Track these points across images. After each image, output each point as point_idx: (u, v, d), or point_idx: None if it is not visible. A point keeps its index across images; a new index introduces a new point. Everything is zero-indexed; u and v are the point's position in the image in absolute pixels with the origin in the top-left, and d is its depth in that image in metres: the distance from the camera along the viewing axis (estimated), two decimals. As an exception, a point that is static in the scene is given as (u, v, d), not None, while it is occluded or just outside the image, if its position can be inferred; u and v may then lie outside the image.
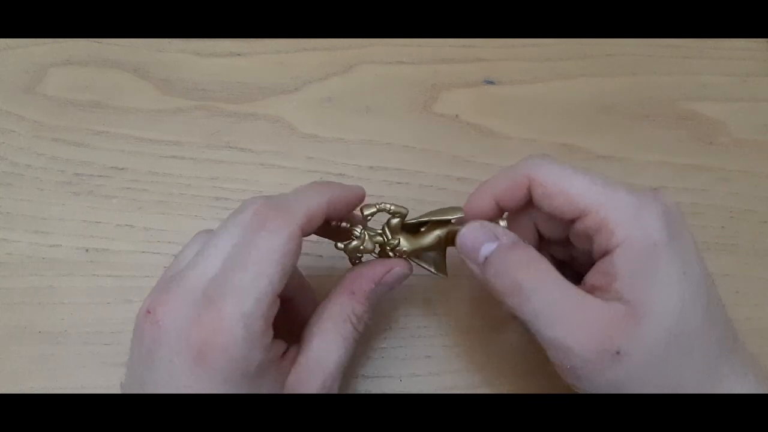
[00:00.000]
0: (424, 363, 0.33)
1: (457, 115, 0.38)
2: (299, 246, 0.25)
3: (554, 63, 0.40)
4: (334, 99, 0.38)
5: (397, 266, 0.29)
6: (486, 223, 0.27)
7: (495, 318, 0.34)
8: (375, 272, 0.29)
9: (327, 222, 0.27)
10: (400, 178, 0.37)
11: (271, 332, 0.24)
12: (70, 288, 0.34)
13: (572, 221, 0.26)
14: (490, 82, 0.39)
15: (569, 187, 0.26)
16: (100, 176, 0.36)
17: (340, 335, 0.27)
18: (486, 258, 0.26)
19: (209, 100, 0.38)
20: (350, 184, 0.29)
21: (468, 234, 0.27)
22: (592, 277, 0.26)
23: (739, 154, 0.38)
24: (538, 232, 0.30)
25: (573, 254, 0.30)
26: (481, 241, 0.26)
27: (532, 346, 0.33)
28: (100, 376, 0.32)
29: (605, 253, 0.25)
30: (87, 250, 0.34)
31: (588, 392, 0.24)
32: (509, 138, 0.38)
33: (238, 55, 0.39)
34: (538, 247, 0.29)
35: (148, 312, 0.24)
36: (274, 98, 0.38)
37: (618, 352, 0.23)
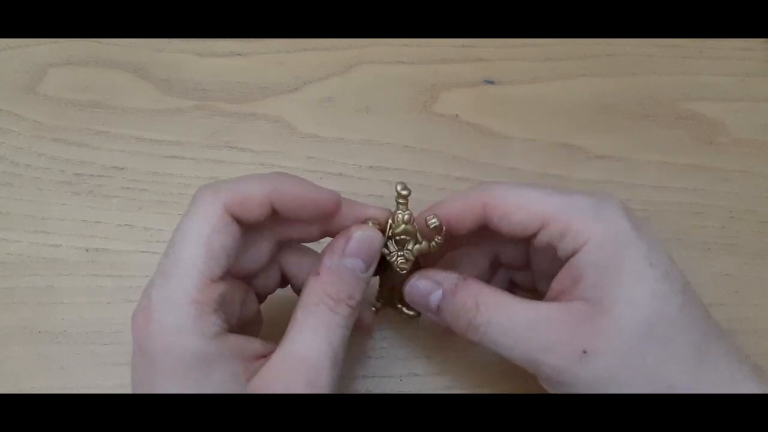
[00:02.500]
0: (424, 363, 0.33)
1: (457, 115, 0.38)
2: (227, 227, 0.24)
3: (554, 63, 0.40)
4: (334, 99, 0.38)
5: (358, 230, 0.27)
6: (425, 271, 0.28)
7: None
8: (335, 245, 0.27)
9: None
10: (400, 178, 0.37)
11: (215, 321, 0.23)
12: (70, 288, 0.34)
13: (533, 236, 0.26)
14: (490, 82, 0.39)
15: (528, 200, 0.26)
16: (100, 176, 0.36)
17: (316, 322, 0.25)
18: (437, 306, 0.27)
19: (209, 100, 0.38)
20: (326, 186, 0.27)
21: (413, 289, 0.28)
22: (557, 282, 0.26)
23: (739, 154, 0.38)
24: (499, 260, 0.30)
25: (535, 278, 0.30)
26: (427, 291, 0.27)
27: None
28: (100, 376, 0.32)
29: (568, 258, 0.25)
30: (87, 250, 0.34)
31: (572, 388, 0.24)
32: (509, 138, 0.38)
33: (238, 55, 0.39)
34: (494, 277, 0.31)
35: (138, 347, 0.25)
36: (274, 98, 0.38)
37: (585, 352, 0.23)
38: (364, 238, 0.27)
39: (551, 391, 0.26)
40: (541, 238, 0.26)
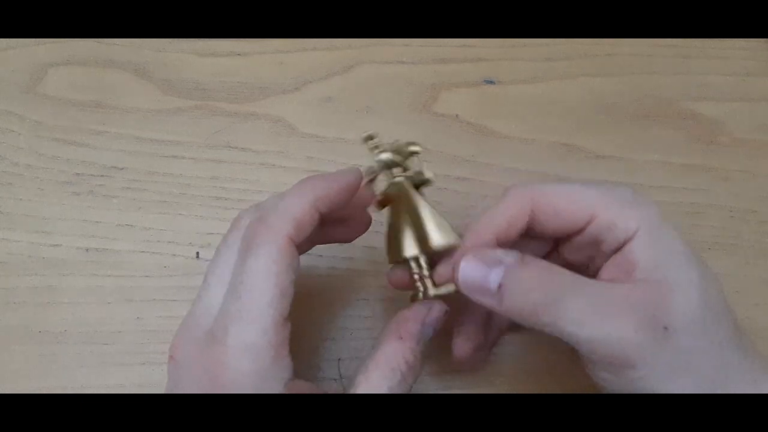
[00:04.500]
0: (424, 362, 0.33)
1: (457, 115, 0.38)
2: (293, 258, 0.23)
3: (554, 63, 0.40)
4: (334, 99, 0.38)
5: (436, 305, 0.27)
6: (480, 251, 0.25)
7: (495, 318, 0.34)
8: (419, 312, 0.26)
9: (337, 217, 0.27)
10: (400, 178, 0.37)
11: (287, 362, 0.23)
12: (70, 288, 0.34)
13: (579, 232, 0.26)
14: (490, 82, 0.39)
15: (576, 196, 0.26)
16: (101, 176, 0.36)
17: (388, 386, 0.24)
18: (499, 285, 0.24)
19: (209, 100, 0.38)
20: (343, 168, 0.27)
21: (469, 269, 0.25)
22: (607, 272, 0.26)
23: (739, 154, 0.38)
24: None
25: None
26: (486, 270, 0.25)
27: (531, 347, 0.34)
28: (100, 376, 0.32)
29: (618, 248, 0.25)
30: (87, 250, 0.34)
31: (645, 383, 0.23)
32: (509, 138, 0.38)
33: (238, 55, 0.39)
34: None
35: (170, 356, 0.24)
36: (274, 98, 0.38)
37: (666, 328, 0.23)
38: (441, 312, 0.27)
39: (610, 379, 0.24)
40: (589, 232, 0.26)
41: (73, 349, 0.33)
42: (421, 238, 0.27)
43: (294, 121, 0.38)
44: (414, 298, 0.28)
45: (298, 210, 0.24)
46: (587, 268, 0.28)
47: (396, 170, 0.28)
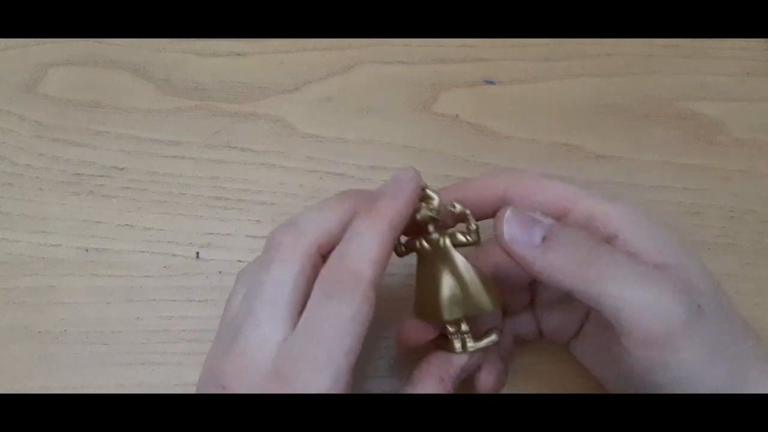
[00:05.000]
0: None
1: (457, 115, 0.38)
2: (373, 305, 0.23)
3: (554, 63, 0.40)
4: (334, 99, 0.38)
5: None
6: (518, 209, 0.24)
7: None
8: (461, 359, 0.26)
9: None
10: (400, 178, 0.37)
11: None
12: (70, 288, 0.34)
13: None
14: (490, 82, 0.39)
15: (550, 183, 0.26)
16: (100, 176, 0.36)
17: None
18: (543, 238, 0.23)
19: (209, 100, 0.38)
20: (403, 174, 0.25)
21: (512, 221, 0.24)
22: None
23: (739, 154, 0.38)
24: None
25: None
26: (531, 224, 0.24)
27: (531, 347, 0.33)
28: (100, 376, 0.32)
29: (609, 240, 0.25)
30: (87, 250, 0.34)
31: (682, 367, 0.22)
32: (509, 138, 0.38)
33: (238, 55, 0.39)
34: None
35: (220, 386, 0.23)
36: (274, 98, 0.38)
37: (699, 307, 0.22)
38: (481, 358, 0.27)
39: (643, 356, 0.23)
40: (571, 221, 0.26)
41: (73, 349, 0.33)
42: (468, 300, 0.26)
43: (294, 121, 0.38)
44: (441, 346, 0.28)
45: (377, 252, 0.23)
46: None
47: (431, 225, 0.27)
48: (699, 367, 0.22)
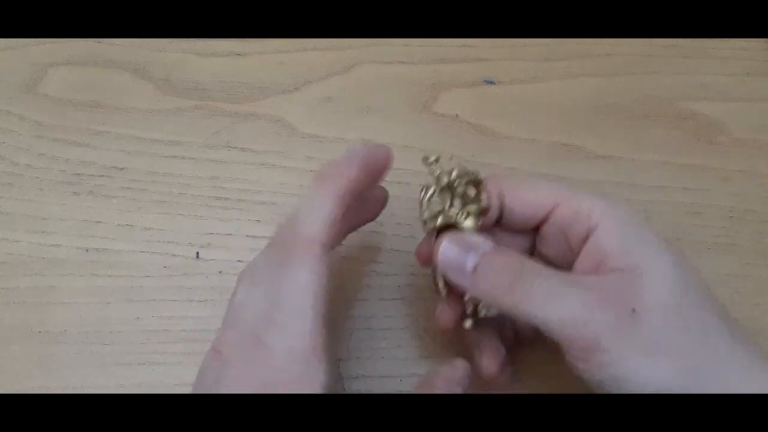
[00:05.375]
0: (424, 363, 0.33)
1: (457, 115, 0.38)
2: (325, 264, 0.24)
3: (554, 63, 0.40)
4: (334, 99, 0.38)
5: (462, 367, 0.28)
6: (457, 236, 0.27)
7: (495, 318, 0.34)
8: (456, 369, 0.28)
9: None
10: (400, 178, 0.37)
11: (324, 366, 0.23)
12: (70, 288, 0.34)
13: (543, 223, 0.27)
14: (490, 82, 0.39)
15: (538, 184, 0.28)
16: (100, 176, 0.36)
17: None
18: (474, 267, 0.26)
19: (209, 100, 0.38)
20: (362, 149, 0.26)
21: (448, 251, 0.27)
22: (581, 264, 0.26)
23: (739, 154, 0.38)
24: None
25: None
26: (464, 253, 0.26)
27: (530, 347, 0.33)
28: (100, 376, 0.32)
29: (586, 239, 0.26)
30: (87, 250, 0.34)
31: (618, 368, 0.24)
32: (509, 138, 0.38)
33: (238, 55, 0.39)
34: None
35: (216, 350, 0.24)
36: (274, 98, 0.38)
37: (634, 310, 0.24)
38: (468, 369, 0.28)
39: (585, 367, 0.24)
40: (556, 221, 0.27)
41: (73, 349, 0.33)
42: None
43: (294, 121, 0.38)
44: (467, 325, 0.29)
45: (327, 213, 0.24)
46: (565, 266, 0.28)
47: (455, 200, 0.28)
48: (637, 366, 0.23)
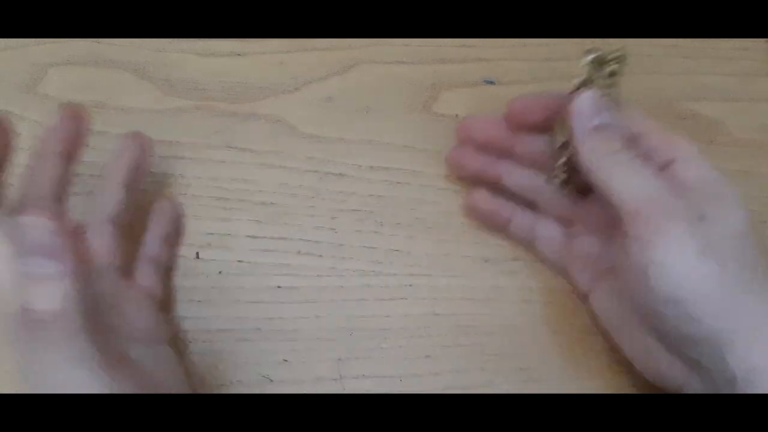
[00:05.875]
0: (424, 363, 0.33)
1: (457, 115, 0.38)
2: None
3: (554, 63, 0.40)
4: (334, 99, 0.38)
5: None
6: (600, 98, 0.30)
7: (494, 318, 0.34)
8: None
9: None
10: (400, 178, 0.37)
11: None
12: (70, 288, 0.34)
13: None
14: (490, 82, 0.39)
15: (629, 113, 0.31)
16: (100, 176, 0.36)
17: None
18: (595, 127, 0.29)
19: (209, 100, 0.38)
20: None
21: (586, 102, 0.30)
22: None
23: (739, 154, 0.38)
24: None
25: None
26: (595, 111, 0.29)
27: (530, 346, 0.34)
28: (100, 376, 0.32)
29: (665, 167, 0.28)
30: (87, 250, 0.34)
31: (664, 261, 0.25)
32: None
33: (238, 55, 0.39)
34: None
35: None
36: (274, 98, 0.38)
37: (703, 216, 0.26)
38: None
39: (638, 250, 0.26)
40: (641, 143, 0.30)
41: (73, 349, 0.33)
42: None
43: (294, 121, 0.38)
44: (553, 181, 0.33)
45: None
46: None
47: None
48: (686, 258, 0.25)
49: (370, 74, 0.39)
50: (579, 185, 0.32)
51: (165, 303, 0.32)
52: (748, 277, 0.26)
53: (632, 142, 0.29)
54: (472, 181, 0.35)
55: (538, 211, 0.34)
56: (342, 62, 0.39)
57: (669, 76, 0.40)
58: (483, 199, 0.34)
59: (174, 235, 0.33)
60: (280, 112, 0.38)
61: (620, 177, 0.27)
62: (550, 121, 0.32)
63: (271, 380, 0.32)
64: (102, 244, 0.29)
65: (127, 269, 0.30)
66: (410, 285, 0.34)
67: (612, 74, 0.30)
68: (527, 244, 0.35)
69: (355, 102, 0.38)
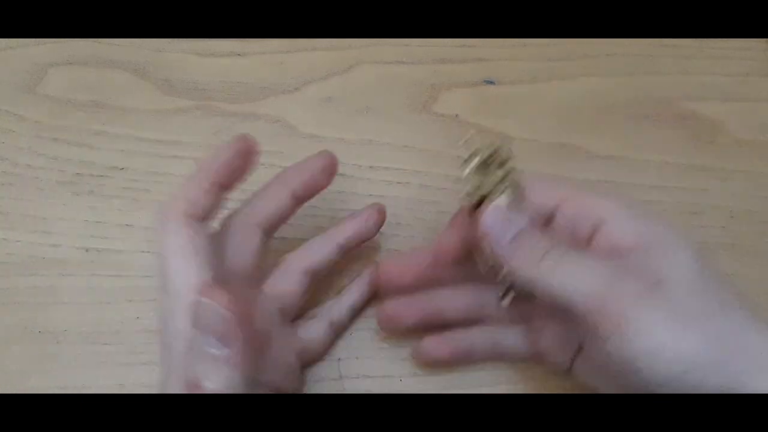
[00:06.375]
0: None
1: (457, 115, 0.38)
2: (196, 224, 0.27)
3: (554, 63, 0.40)
4: (334, 99, 0.38)
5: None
6: (501, 207, 0.28)
7: (495, 318, 0.34)
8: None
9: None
10: (400, 178, 0.37)
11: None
12: (70, 288, 0.34)
13: (547, 222, 0.28)
14: (490, 82, 0.39)
15: (538, 184, 0.29)
16: (101, 176, 0.36)
17: None
18: (512, 239, 0.27)
19: (209, 100, 0.38)
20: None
21: (493, 218, 0.28)
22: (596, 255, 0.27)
23: (739, 154, 0.38)
24: None
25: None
26: (506, 224, 0.27)
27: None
28: (100, 376, 0.32)
29: (592, 235, 0.27)
30: (87, 250, 0.34)
31: (646, 348, 0.24)
32: (509, 138, 0.38)
33: (238, 55, 0.39)
34: None
35: None
36: (274, 98, 0.38)
37: (659, 281, 0.24)
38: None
39: (613, 346, 0.24)
40: (558, 221, 0.28)
41: (73, 349, 0.33)
42: None
43: (294, 121, 0.38)
44: (504, 303, 0.30)
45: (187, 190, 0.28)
46: None
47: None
48: (665, 335, 0.23)
49: (370, 74, 0.39)
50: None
51: (312, 362, 0.32)
52: (727, 318, 0.24)
53: (550, 219, 0.28)
54: (406, 333, 0.32)
55: (492, 325, 0.32)
56: (342, 62, 0.39)
57: (669, 76, 0.40)
58: (437, 344, 0.31)
59: (361, 305, 0.33)
60: (280, 112, 0.38)
61: (562, 281, 0.25)
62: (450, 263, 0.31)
63: (271, 380, 0.32)
64: (287, 286, 0.30)
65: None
66: (410, 285, 0.34)
67: (501, 164, 0.29)
68: (495, 360, 0.33)
69: (355, 102, 0.38)
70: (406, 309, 0.31)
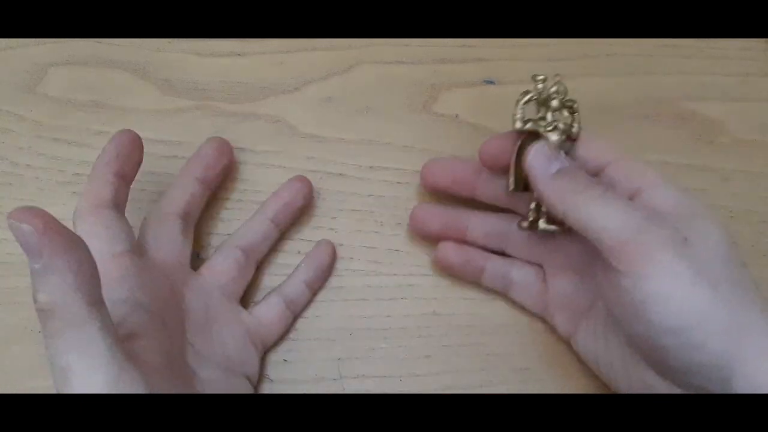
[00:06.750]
0: (424, 363, 0.33)
1: (456, 115, 0.38)
2: (109, 214, 0.29)
3: (554, 63, 0.40)
4: (334, 99, 0.38)
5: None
6: (548, 144, 0.29)
7: (494, 318, 0.34)
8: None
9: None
10: (400, 178, 0.37)
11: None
12: (70, 288, 0.34)
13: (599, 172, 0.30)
14: (490, 82, 0.39)
15: (595, 141, 0.31)
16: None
17: None
18: (555, 174, 0.28)
19: (209, 100, 0.38)
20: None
21: (540, 152, 0.29)
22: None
23: (739, 154, 0.38)
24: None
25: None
26: (551, 160, 0.29)
27: (530, 346, 0.34)
28: (100, 376, 0.32)
29: (636, 193, 0.28)
30: (87, 250, 0.34)
31: (659, 291, 0.25)
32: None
33: (238, 55, 0.39)
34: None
35: None
36: (274, 98, 0.38)
37: (686, 239, 0.25)
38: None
39: (628, 283, 0.25)
40: (602, 178, 0.29)
41: (73, 349, 0.33)
42: None
43: (294, 121, 0.38)
44: (523, 225, 0.31)
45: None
46: None
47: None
48: (683, 284, 0.24)
49: (370, 74, 0.39)
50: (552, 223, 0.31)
51: (271, 343, 0.33)
52: (741, 295, 0.25)
53: (595, 175, 0.29)
54: (435, 239, 0.34)
55: (510, 257, 0.33)
56: (342, 62, 0.39)
57: (669, 76, 0.40)
58: (453, 250, 0.33)
59: (317, 282, 0.34)
60: (280, 112, 0.38)
61: (596, 213, 0.26)
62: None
63: (271, 380, 0.32)
64: (223, 265, 0.32)
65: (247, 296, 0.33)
66: (410, 285, 0.34)
67: (559, 108, 0.30)
68: (503, 292, 0.34)
69: (355, 102, 0.38)
70: (433, 216, 0.33)
